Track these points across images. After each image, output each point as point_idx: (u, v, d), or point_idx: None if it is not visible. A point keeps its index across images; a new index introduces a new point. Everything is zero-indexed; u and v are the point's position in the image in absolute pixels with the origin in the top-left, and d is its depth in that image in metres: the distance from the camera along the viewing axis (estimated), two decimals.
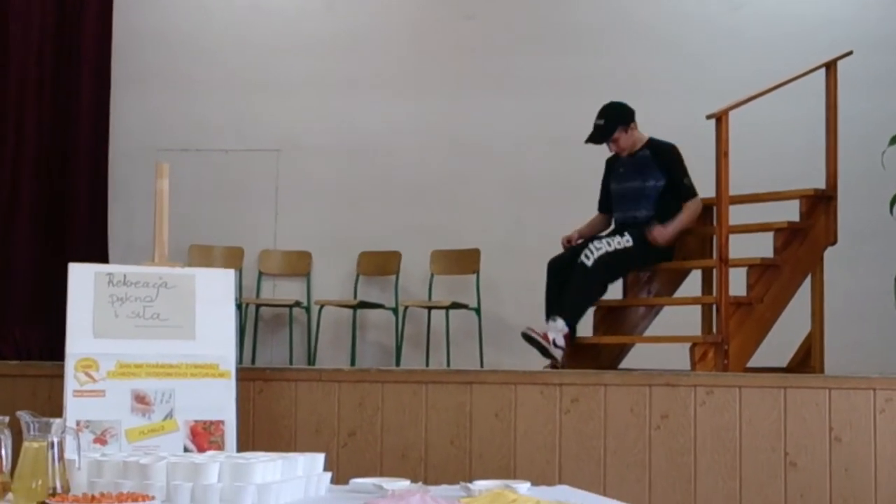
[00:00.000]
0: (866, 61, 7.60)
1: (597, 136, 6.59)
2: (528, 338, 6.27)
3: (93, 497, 2.80)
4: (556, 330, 6.23)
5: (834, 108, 6.62)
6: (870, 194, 7.15)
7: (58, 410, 4.41)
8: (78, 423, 4.32)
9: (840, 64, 6.66)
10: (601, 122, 6.58)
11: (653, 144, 6.60)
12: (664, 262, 6.60)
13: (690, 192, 6.51)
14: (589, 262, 6.28)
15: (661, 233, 6.42)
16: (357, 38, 8.98)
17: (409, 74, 8.92)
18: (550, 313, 6.39)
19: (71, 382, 4.46)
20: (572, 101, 8.48)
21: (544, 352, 6.23)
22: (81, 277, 4.57)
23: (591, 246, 6.35)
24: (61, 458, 2.91)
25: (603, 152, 6.67)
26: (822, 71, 6.62)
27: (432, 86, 8.89)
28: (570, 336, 6.28)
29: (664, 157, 6.54)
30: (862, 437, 4.97)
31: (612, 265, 6.35)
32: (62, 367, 4.50)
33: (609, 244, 6.36)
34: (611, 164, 6.71)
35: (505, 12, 8.94)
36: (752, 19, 8.75)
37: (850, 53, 6.74)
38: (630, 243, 6.38)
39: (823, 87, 6.62)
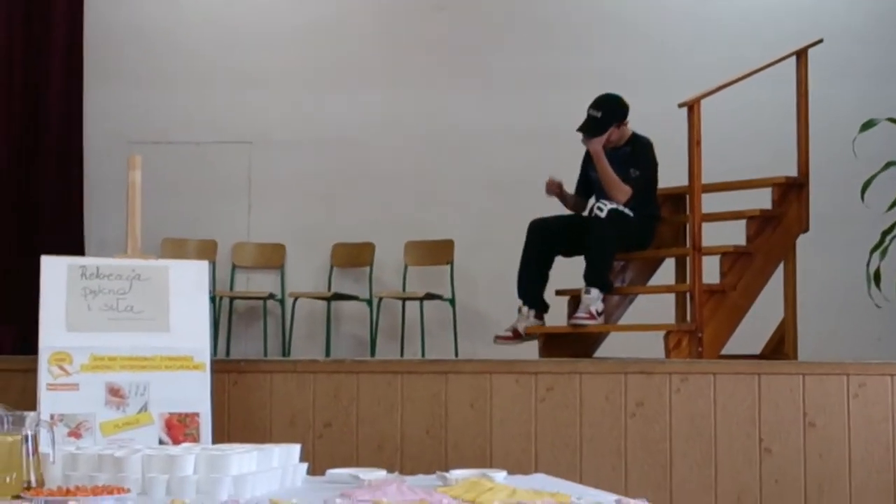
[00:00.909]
0: (837, 49, 7.65)
1: (592, 128, 6.37)
2: (577, 326, 6.27)
3: (67, 490, 2.79)
4: (594, 300, 6.21)
5: (805, 95, 6.64)
6: (841, 181, 7.19)
7: (31, 404, 4.37)
8: (52, 416, 4.30)
9: (811, 52, 6.68)
10: (598, 114, 6.37)
11: (635, 140, 6.47)
12: (638, 252, 6.61)
13: (630, 182, 6.32)
14: (603, 214, 6.18)
15: (595, 144, 6.34)
16: (331, 30, 8.96)
17: (383, 67, 8.91)
18: (526, 296, 6.41)
19: (44, 376, 4.43)
20: (545, 94, 8.53)
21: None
22: (54, 270, 4.54)
23: (599, 202, 6.27)
24: (35, 451, 2.91)
25: (577, 145, 6.57)
26: (794, 59, 6.64)
27: (406, 79, 8.88)
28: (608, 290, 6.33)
29: (640, 151, 6.48)
30: (836, 422, 5.00)
31: (619, 222, 6.23)
32: (35, 361, 4.47)
33: (616, 204, 6.26)
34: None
35: (478, 5, 8.94)
36: (723, 8, 8.78)
37: (820, 41, 6.75)
38: (631, 214, 6.33)
39: (794, 75, 6.64)
